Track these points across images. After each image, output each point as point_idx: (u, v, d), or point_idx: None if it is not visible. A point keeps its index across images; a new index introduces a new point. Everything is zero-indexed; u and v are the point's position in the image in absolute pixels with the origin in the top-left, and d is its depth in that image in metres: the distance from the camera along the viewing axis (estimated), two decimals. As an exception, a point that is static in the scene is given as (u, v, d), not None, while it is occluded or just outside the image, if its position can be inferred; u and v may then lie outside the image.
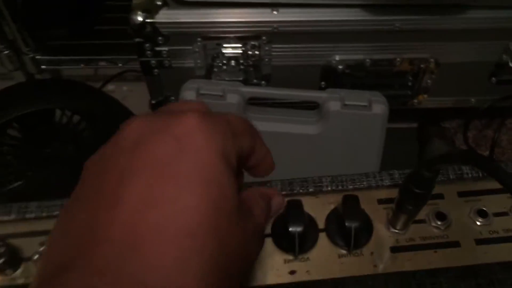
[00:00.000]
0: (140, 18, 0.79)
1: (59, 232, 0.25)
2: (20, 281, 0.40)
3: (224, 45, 0.85)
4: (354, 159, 0.88)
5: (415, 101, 0.98)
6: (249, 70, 0.90)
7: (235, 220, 0.26)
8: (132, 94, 1.16)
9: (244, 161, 0.32)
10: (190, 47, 0.85)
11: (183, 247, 0.23)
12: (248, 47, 0.86)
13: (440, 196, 0.43)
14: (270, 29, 0.82)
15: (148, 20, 0.80)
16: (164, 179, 0.24)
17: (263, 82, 0.92)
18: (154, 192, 0.24)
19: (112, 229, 0.23)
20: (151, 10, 0.80)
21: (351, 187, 0.44)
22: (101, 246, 0.23)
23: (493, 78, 0.92)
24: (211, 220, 0.24)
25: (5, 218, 0.42)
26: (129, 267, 0.22)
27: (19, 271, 0.40)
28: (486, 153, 1.03)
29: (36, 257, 0.38)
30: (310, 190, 0.43)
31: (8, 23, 0.98)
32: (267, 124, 0.86)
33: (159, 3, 0.80)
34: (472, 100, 0.98)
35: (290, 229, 0.39)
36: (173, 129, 0.26)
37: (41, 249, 0.40)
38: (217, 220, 0.24)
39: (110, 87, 1.16)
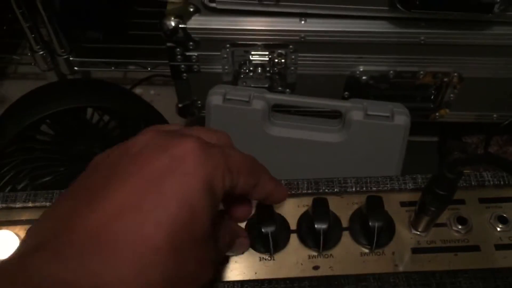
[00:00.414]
0: (173, 24, 0.83)
1: (44, 215, 0.28)
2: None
3: (252, 52, 0.88)
4: (374, 169, 0.89)
5: (437, 114, 0.99)
6: (274, 77, 0.92)
7: (199, 246, 0.28)
8: (159, 98, 1.19)
9: (247, 195, 0.34)
10: (219, 53, 0.87)
11: (143, 258, 0.25)
12: (275, 55, 0.88)
13: (462, 202, 0.44)
14: (297, 38, 0.84)
15: (180, 26, 0.83)
16: (147, 191, 0.26)
17: (287, 90, 0.94)
18: (133, 201, 0.26)
19: (85, 223, 0.25)
20: (183, 16, 0.83)
21: (374, 189, 0.45)
22: (72, 236, 0.25)
23: (516, 94, 0.93)
24: (175, 240, 0.26)
25: (47, 204, 0.44)
26: (90, 263, 0.24)
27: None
28: (507, 169, 1.03)
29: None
30: (336, 190, 0.45)
31: (45, 24, 1.02)
32: (290, 131, 0.88)
33: (191, 9, 0.84)
34: (494, 116, 0.99)
35: (316, 226, 0.41)
36: (172, 149, 0.28)
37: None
38: (182, 242, 0.26)
39: (137, 90, 1.19)
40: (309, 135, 0.88)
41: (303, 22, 0.83)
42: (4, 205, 0.44)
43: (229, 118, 0.86)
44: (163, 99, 1.19)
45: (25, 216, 0.44)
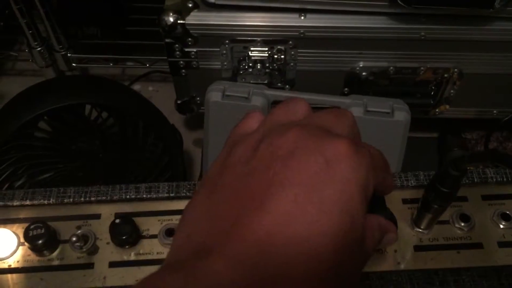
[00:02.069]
0: (171, 19, 0.82)
1: (201, 214, 0.27)
2: (56, 263, 0.42)
3: (251, 48, 0.87)
4: (374, 165, 0.88)
5: (437, 110, 0.99)
6: (274, 73, 0.91)
7: (357, 252, 0.28)
8: (157, 94, 1.18)
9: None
10: (218, 49, 0.87)
11: (308, 266, 0.25)
12: (274, 51, 0.87)
13: (464, 199, 0.44)
14: (296, 34, 0.84)
15: (179, 21, 0.82)
16: (309, 199, 0.26)
17: (287, 86, 0.94)
18: (297, 210, 0.25)
19: (251, 230, 0.25)
20: (182, 12, 0.82)
21: (376, 186, 0.45)
22: (241, 242, 0.25)
23: (517, 90, 0.93)
24: (339, 250, 0.26)
25: (45, 202, 0.44)
26: (263, 269, 0.24)
27: (55, 253, 0.42)
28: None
29: (74, 239, 0.40)
30: (337, 187, 0.45)
31: (43, 20, 1.01)
32: (290, 127, 0.87)
33: (190, 5, 0.83)
34: (494, 111, 0.98)
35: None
36: (325, 151, 0.27)
37: (78, 232, 0.42)
38: (344, 251, 0.26)
39: (136, 87, 1.19)
40: (308, 132, 0.87)
41: (302, 17, 0.83)
42: (1, 203, 0.44)
43: (228, 114, 0.85)
44: (161, 95, 1.18)
45: (23, 214, 0.44)
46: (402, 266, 0.40)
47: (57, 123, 0.84)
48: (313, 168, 0.26)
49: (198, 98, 0.97)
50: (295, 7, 0.82)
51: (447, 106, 0.98)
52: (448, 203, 0.38)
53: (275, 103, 0.87)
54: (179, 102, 0.98)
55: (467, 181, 0.45)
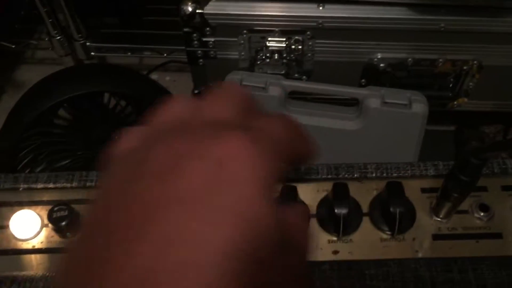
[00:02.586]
0: (190, 9, 0.82)
1: (76, 253, 0.22)
2: (79, 244, 0.43)
3: (269, 39, 0.87)
4: (391, 157, 0.88)
5: (455, 103, 0.98)
6: (291, 64, 0.91)
7: (274, 261, 0.23)
8: (175, 84, 1.19)
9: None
10: (236, 39, 0.87)
11: None
12: (292, 41, 0.87)
13: (484, 189, 0.44)
14: (315, 24, 0.84)
15: (197, 11, 0.82)
16: (195, 216, 0.21)
17: (304, 77, 0.93)
18: (178, 232, 0.21)
19: (126, 269, 0.20)
20: (201, 1, 0.83)
21: (395, 174, 0.45)
22: (119, 277, 0.20)
23: (537, 83, 0.92)
24: (239, 263, 0.21)
25: (68, 185, 0.45)
26: None
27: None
28: (525, 159, 1.01)
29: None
30: (356, 175, 0.45)
31: (63, 9, 1.02)
32: (306, 118, 0.87)
33: (208, -6, 0.83)
34: (514, 104, 0.97)
35: (336, 211, 0.41)
36: (215, 151, 0.22)
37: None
38: (248, 262, 0.21)
39: (153, 76, 1.19)
40: (325, 123, 0.87)
41: (321, 8, 0.82)
42: (25, 186, 0.45)
43: (245, 104, 0.86)
44: (178, 85, 1.19)
45: (46, 196, 0.45)
46: (420, 254, 0.40)
47: (76, 111, 0.85)
48: (201, 177, 0.22)
49: (215, 88, 0.97)
50: (314, -3, 0.81)
51: (465, 99, 0.97)
52: (468, 192, 0.38)
53: (292, 93, 0.87)
54: (196, 91, 0.98)
55: (487, 171, 0.44)
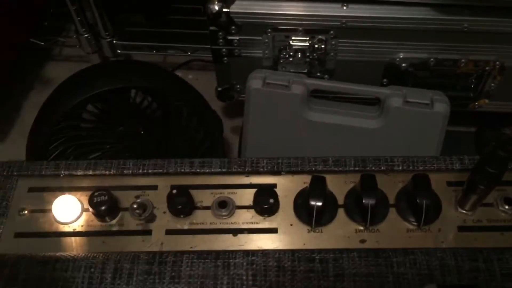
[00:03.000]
0: (216, 7, 0.84)
1: None
2: (115, 228, 0.45)
3: (292, 38, 0.89)
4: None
5: (476, 104, 0.98)
6: (313, 63, 0.93)
7: None
8: (198, 82, 1.21)
9: None
10: (260, 38, 0.89)
11: None
12: (315, 40, 0.89)
13: (509, 183, 0.45)
14: (338, 23, 0.85)
15: (224, 9, 0.84)
16: None
17: (326, 76, 0.95)
18: None
19: None
20: (227, 0, 0.85)
21: (421, 168, 0.46)
22: None
23: (559, 85, 0.92)
24: None
25: (106, 172, 0.47)
26: None
27: (115, 220, 0.45)
28: (547, 161, 1.01)
29: (134, 206, 0.43)
30: (382, 168, 0.46)
31: (91, 8, 1.05)
32: (329, 116, 0.88)
33: (235, -6, 0.85)
34: (535, 106, 0.97)
35: (364, 201, 0.42)
36: None
37: (138, 201, 0.44)
38: None
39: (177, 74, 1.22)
40: (347, 121, 0.88)
41: (344, 7, 0.84)
42: (66, 173, 0.47)
43: (268, 102, 0.87)
44: (201, 83, 1.20)
45: (86, 183, 0.47)
46: (444, 245, 0.42)
47: (104, 106, 0.88)
48: None
49: (238, 86, 0.99)
50: (338, -3, 0.83)
51: (487, 100, 0.98)
52: (494, 185, 0.40)
53: (314, 92, 0.89)
54: (219, 89, 1.00)
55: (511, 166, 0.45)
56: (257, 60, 0.93)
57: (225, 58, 0.93)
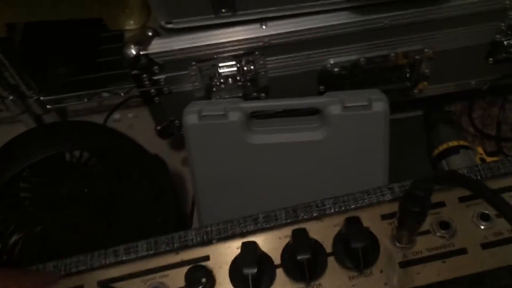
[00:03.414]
0: (133, 52, 0.81)
1: None
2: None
3: (220, 65, 0.87)
4: (362, 159, 0.88)
5: (416, 91, 0.98)
6: (247, 85, 0.91)
7: None
8: (139, 120, 1.18)
9: None
10: (186, 72, 0.86)
11: None
12: (243, 63, 0.87)
13: (442, 204, 0.44)
14: (261, 43, 0.83)
15: (142, 52, 0.81)
16: None
17: (262, 94, 0.93)
18: None
19: None
20: (143, 42, 0.82)
21: (353, 206, 0.45)
22: None
23: (490, 59, 0.92)
24: None
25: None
26: None
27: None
28: (493, 131, 1.03)
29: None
30: (314, 214, 0.45)
31: (8, 69, 1.00)
32: (271, 137, 0.87)
33: (150, 33, 0.82)
34: (472, 82, 0.98)
35: (298, 257, 0.40)
36: None
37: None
38: None
39: (116, 116, 1.18)
40: (291, 138, 0.87)
41: (264, 27, 0.82)
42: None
43: (207, 134, 0.85)
44: (142, 120, 1.17)
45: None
46: (390, 287, 0.40)
47: (42, 171, 0.84)
48: None
49: (176, 121, 0.96)
50: (254, 18, 0.81)
51: (425, 84, 0.98)
52: (422, 220, 0.38)
53: (254, 113, 0.87)
54: (158, 128, 0.97)
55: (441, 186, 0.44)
56: (189, 93, 0.90)
57: (156, 98, 0.90)
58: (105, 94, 1.17)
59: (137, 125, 1.14)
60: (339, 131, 0.85)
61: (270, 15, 0.81)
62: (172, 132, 0.98)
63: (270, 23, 0.82)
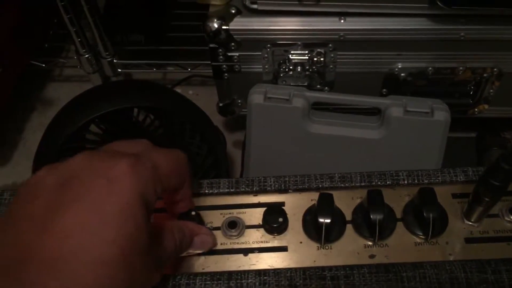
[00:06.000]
0: (215, 25, 0.85)
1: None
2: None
3: (291, 52, 0.90)
4: (414, 165, 0.90)
5: (476, 110, 0.99)
6: (313, 76, 0.94)
7: (146, 253, 0.32)
8: (198, 98, 1.22)
9: (173, 195, 0.41)
10: (260, 53, 0.90)
11: (98, 273, 0.29)
12: (314, 54, 0.90)
13: (513, 193, 0.45)
14: (336, 37, 0.86)
15: (223, 27, 0.85)
16: (92, 213, 0.30)
17: (326, 88, 0.96)
18: (81, 223, 0.30)
19: (38, 251, 0.29)
20: (225, 18, 0.86)
21: (426, 181, 0.47)
22: (28, 265, 0.28)
23: (557, 89, 0.93)
24: (125, 251, 0.30)
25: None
26: (53, 284, 0.28)
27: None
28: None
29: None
30: (388, 182, 0.47)
31: (91, 28, 1.06)
32: (330, 128, 0.89)
33: (233, 11, 0.86)
34: (534, 110, 0.98)
35: (371, 216, 0.43)
36: (107, 172, 0.32)
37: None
38: (131, 252, 0.31)
39: (177, 90, 1.23)
40: (349, 132, 0.89)
41: (342, 21, 0.85)
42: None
43: (270, 116, 0.88)
44: (201, 98, 1.22)
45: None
46: (453, 257, 0.42)
47: (107, 126, 0.89)
48: (95, 188, 0.31)
49: (239, 101, 1.00)
50: (335, 10, 0.84)
51: (486, 106, 0.99)
52: (499, 197, 0.40)
53: (315, 104, 0.90)
54: (221, 104, 1.01)
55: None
56: (257, 75, 0.94)
57: (226, 74, 0.94)
58: (170, 68, 1.22)
59: (196, 102, 1.18)
60: (397, 134, 0.87)
61: (351, 10, 0.84)
62: (234, 111, 1.01)
63: (348, 18, 0.85)
